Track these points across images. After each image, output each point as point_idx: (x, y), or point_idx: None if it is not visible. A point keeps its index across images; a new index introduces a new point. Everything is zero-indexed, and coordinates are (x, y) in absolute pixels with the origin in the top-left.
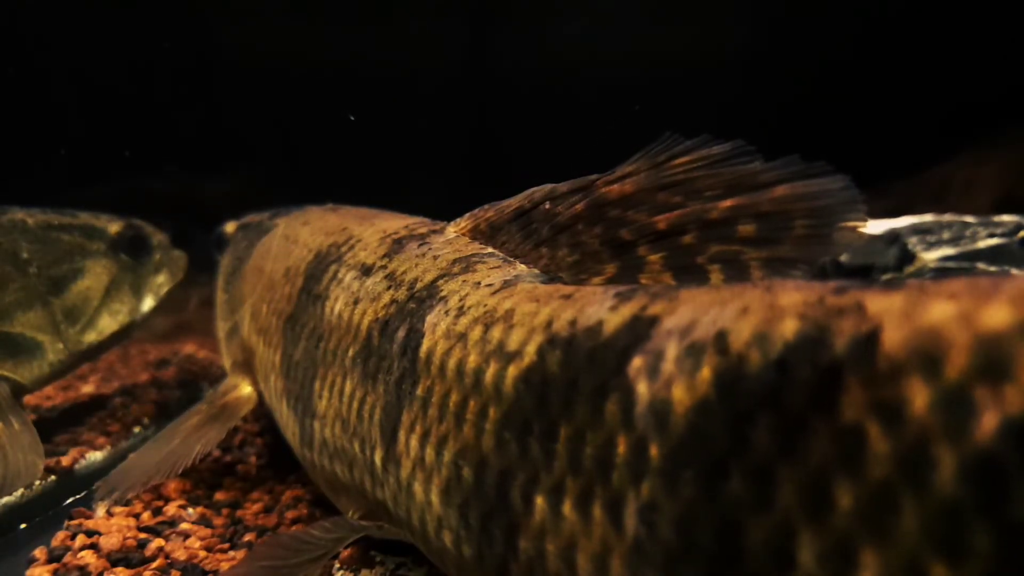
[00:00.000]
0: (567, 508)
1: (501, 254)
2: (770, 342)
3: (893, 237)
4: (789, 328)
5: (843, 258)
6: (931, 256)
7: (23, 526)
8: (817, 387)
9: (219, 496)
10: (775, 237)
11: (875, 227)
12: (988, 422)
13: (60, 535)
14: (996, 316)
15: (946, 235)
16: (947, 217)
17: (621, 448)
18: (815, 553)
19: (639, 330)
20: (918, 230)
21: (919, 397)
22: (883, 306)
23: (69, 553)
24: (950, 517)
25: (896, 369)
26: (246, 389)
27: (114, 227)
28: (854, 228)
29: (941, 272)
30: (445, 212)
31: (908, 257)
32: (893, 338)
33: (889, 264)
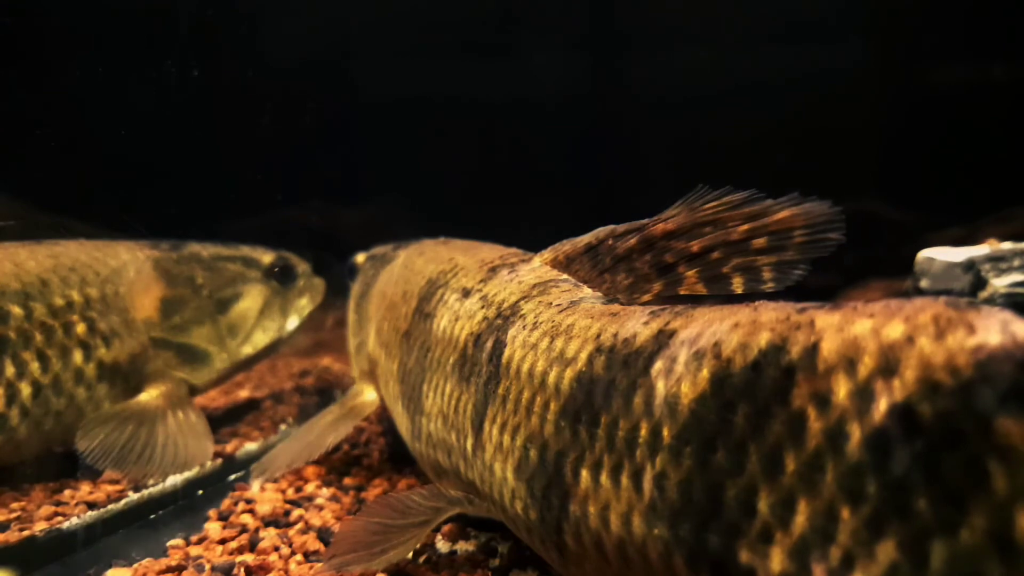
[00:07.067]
0: (604, 478)
1: (572, 280)
2: (749, 349)
3: (970, 264)
4: (763, 339)
5: (923, 284)
6: (1001, 282)
7: (200, 492)
8: (777, 383)
9: (347, 481)
10: (781, 245)
11: (955, 255)
12: (882, 406)
13: (226, 502)
14: (894, 330)
15: (1017, 263)
16: (1022, 246)
17: (643, 431)
18: (770, 504)
19: (662, 341)
20: (993, 258)
21: (842, 389)
22: (826, 322)
23: (233, 515)
24: (855, 474)
25: (829, 369)
26: (370, 394)
27: (267, 258)
28: (837, 234)
29: (1010, 297)
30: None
31: (981, 283)
32: (829, 346)
33: (964, 290)
